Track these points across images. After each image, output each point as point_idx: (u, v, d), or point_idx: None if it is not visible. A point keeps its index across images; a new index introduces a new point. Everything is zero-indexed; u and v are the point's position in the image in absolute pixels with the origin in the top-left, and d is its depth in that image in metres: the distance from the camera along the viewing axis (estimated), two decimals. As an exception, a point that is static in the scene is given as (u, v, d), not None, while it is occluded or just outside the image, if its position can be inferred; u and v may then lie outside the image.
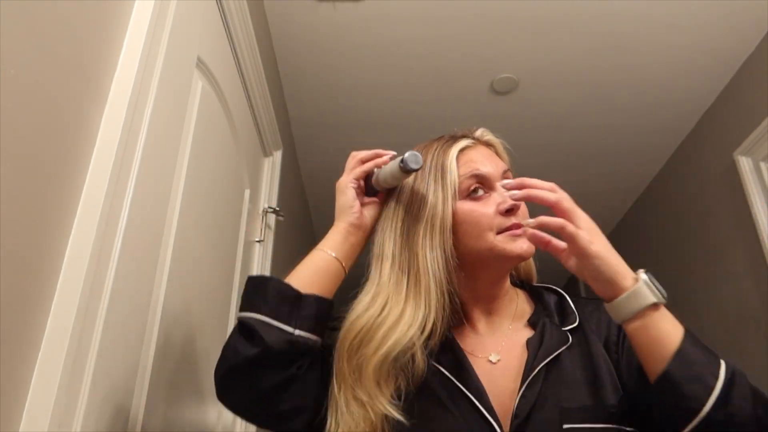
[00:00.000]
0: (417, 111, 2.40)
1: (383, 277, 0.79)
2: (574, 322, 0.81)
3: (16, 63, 0.61)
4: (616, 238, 3.42)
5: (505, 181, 0.80)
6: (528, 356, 0.76)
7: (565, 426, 0.69)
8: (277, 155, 2.05)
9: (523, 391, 0.72)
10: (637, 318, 0.68)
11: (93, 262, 0.71)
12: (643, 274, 0.69)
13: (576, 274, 0.73)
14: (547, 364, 0.75)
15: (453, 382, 0.74)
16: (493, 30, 2.01)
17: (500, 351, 0.80)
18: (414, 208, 0.81)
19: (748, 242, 2.13)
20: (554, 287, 0.90)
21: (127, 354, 0.83)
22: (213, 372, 0.78)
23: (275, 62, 2.13)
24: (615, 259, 0.70)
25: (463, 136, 0.87)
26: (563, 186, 0.79)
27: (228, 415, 1.38)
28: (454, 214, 0.79)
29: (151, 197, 0.92)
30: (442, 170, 0.82)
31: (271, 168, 2.00)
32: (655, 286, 0.70)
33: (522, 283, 0.92)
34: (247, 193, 1.66)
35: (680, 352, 0.66)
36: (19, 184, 0.61)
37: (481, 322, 0.84)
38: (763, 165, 2.10)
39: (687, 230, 2.64)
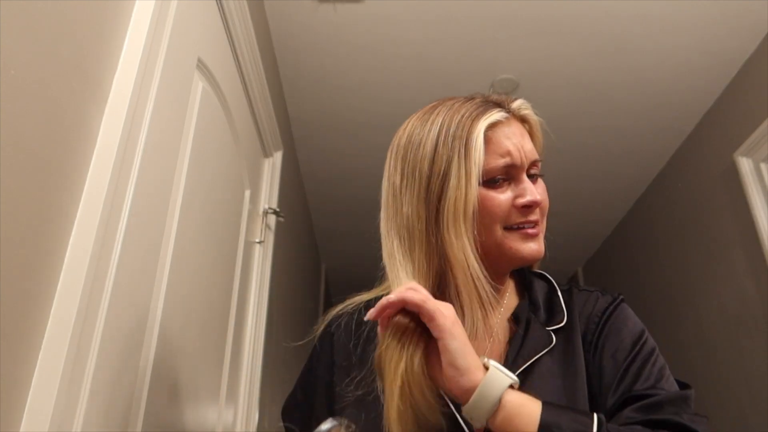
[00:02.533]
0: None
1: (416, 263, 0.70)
2: (561, 321, 0.75)
3: (16, 63, 0.61)
4: (616, 239, 3.42)
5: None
6: (506, 360, 0.71)
7: None
8: (278, 156, 2.05)
9: None
10: (499, 410, 0.61)
11: (93, 263, 0.71)
12: (490, 361, 0.63)
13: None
14: (525, 368, 0.69)
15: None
16: (494, 31, 2.01)
17: (486, 350, 0.74)
18: (437, 181, 0.71)
19: (748, 243, 2.13)
20: (546, 275, 0.84)
21: (127, 354, 0.83)
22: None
23: (275, 63, 2.13)
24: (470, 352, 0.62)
25: (498, 105, 0.76)
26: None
27: (228, 416, 1.38)
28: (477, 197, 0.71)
29: (151, 198, 0.92)
30: (467, 145, 0.71)
31: (272, 169, 2.00)
32: (503, 371, 0.62)
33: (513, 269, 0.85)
34: (248, 193, 1.66)
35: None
36: (19, 184, 0.61)
37: (471, 314, 0.76)
38: (763, 166, 2.10)
39: (687, 231, 2.64)
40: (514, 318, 0.77)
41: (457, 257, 0.68)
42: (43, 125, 0.66)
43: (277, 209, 1.91)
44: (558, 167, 2.78)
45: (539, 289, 0.81)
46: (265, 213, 1.84)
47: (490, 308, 0.71)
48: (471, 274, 0.68)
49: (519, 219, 0.73)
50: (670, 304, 2.77)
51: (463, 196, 0.69)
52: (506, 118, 0.75)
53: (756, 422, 2.05)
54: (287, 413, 0.84)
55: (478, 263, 0.69)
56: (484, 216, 0.71)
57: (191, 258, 1.12)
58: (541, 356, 0.71)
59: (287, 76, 2.22)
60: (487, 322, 0.76)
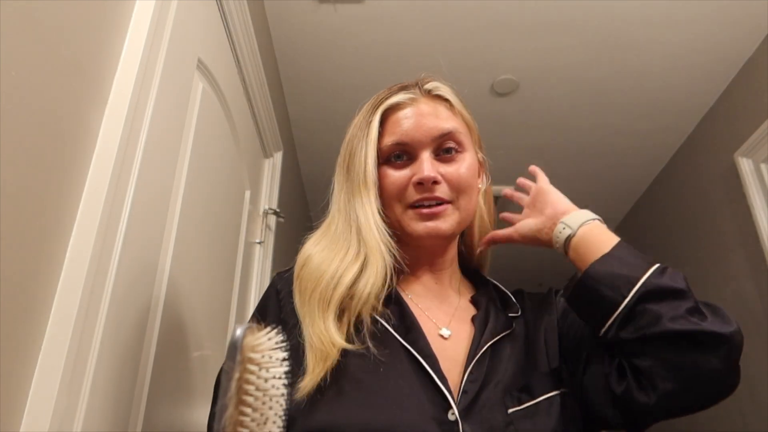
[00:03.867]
0: (417, 112, 2.40)
1: (336, 224, 0.77)
2: (517, 311, 0.80)
3: (16, 63, 0.61)
4: (616, 239, 3.41)
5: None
6: (475, 333, 0.73)
7: (510, 411, 0.66)
8: (278, 156, 2.05)
9: (471, 368, 0.68)
10: (580, 230, 0.73)
11: (94, 263, 0.71)
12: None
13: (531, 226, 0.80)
14: (492, 345, 0.72)
15: (398, 341, 0.69)
16: (494, 31, 2.01)
17: (449, 325, 0.76)
18: (347, 159, 0.79)
19: (749, 243, 2.13)
20: (493, 281, 0.88)
21: (127, 354, 0.83)
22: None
23: (276, 63, 2.13)
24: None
25: (408, 87, 0.82)
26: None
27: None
28: (378, 175, 0.77)
29: (151, 199, 0.92)
30: (368, 127, 0.78)
31: (272, 169, 2.00)
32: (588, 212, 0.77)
33: (467, 270, 0.89)
34: (248, 194, 1.66)
35: (609, 254, 0.69)
36: (19, 185, 0.61)
37: (428, 282, 0.81)
38: (763, 166, 2.09)
39: (688, 231, 2.64)
40: (474, 301, 0.81)
41: (364, 224, 0.73)
42: (43, 126, 0.66)
43: (277, 210, 1.91)
44: (557, 167, 2.78)
45: (489, 286, 0.85)
46: (266, 213, 1.84)
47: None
48: (378, 238, 0.72)
49: (416, 197, 0.75)
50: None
51: (362, 171, 0.76)
52: (411, 99, 0.80)
53: (756, 422, 2.05)
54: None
55: (381, 232, 0.73)
56: (383, 193, 0.76)
57: (192, 258, 1.12)
58: (502, 338, 0.74)
59: (287, 76, 2.22)
60: (446, 295, 0.81)
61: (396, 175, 0.76)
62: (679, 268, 0.69)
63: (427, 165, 0.75)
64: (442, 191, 0.75)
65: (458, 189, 0.76)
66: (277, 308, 0.75)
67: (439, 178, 0.75)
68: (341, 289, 0.69)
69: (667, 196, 2.83)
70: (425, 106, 0.79)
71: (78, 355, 0.67)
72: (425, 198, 0.75)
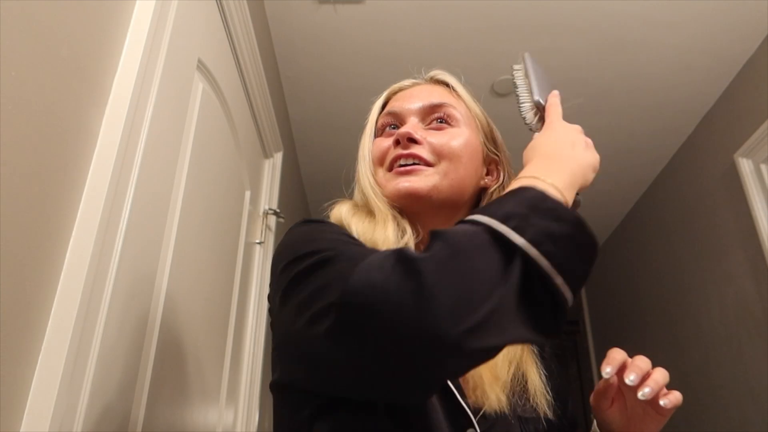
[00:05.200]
0: (417, 112, 2.41)
1: (356, 197, 0.80)
2: None
3: (17, 64, 0.61)
4: (617, 240, 3.41)
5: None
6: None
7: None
8: (278, 157, 2.05)
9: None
10: None
11: (94, 264, 0.71)
12: None
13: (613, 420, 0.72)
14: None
15: None
16: (494, 32, 2.01)
17: None
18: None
19: (749, 243, 2.13)
20: None
21: (128, 355, 0.83)
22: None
23: (276, 64, 2.13)
24: None
25: (414, 78, 0.86)
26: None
27: (228, 416, 1.38)
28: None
29: (151, 199, 0.92)
30: (372, 109, 0.84)
31: (272, 170, 2.00)
32: None
33: None
34: (248, 194, 1.66)
35: None
36: (19, 186, 0.61)
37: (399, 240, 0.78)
38: (763, 167, 2.10)
39: (688, 232, 2.64)
40: None
41: (365, 191, 0.75)
42: (43, 126, 0.66)
43: (278, 210, 1.91)
44: (558, 168, 2.78)
45: None
46: (266, 214, 1.84)
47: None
48: (373, 196, 0.73)
49: (393, 155, 0.74)
50: (672, 304, 2.77)
51: (364, 145, 0.80)
52: (413, 83, 0.84)
53: (757, 422, 2.05)
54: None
55: (376, 194, 0.74)
56: (373, 162, 0.78)
57: (192, 258, 1.12)
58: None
59: (287, 76, 2.22)
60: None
61: (381, 142, 0.78)
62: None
63: (407, 126, 0.75)
64: (420, 151, 0.72)
65: (440, 154, 0.73)
66: None
67: (419, 137, 0.73)
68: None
69: (667, 196, 2.83)
70: (421, 88, 0.82)
71: (78, 355, 0.67)
72: (401, 155, 0.72)
